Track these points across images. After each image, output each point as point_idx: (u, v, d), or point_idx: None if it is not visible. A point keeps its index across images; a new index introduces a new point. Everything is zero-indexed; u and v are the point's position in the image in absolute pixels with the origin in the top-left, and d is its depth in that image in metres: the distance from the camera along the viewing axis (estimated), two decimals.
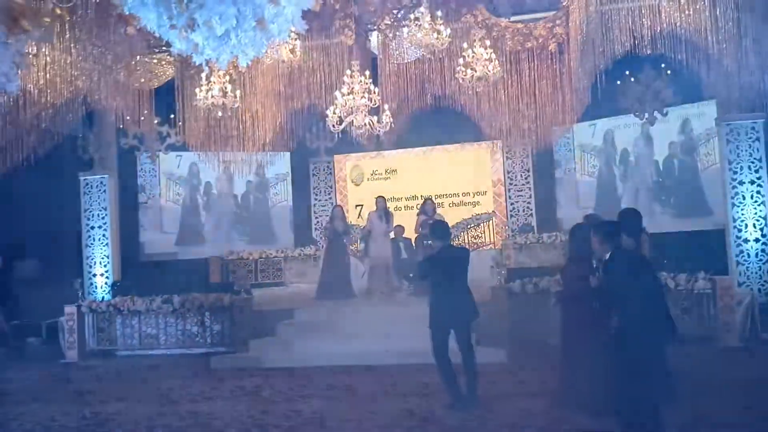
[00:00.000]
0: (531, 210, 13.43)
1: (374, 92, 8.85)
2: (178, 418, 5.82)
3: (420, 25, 8.31)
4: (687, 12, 8.16)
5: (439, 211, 10.85)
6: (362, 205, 10.34)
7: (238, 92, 9.28)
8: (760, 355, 7.20)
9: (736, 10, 7.91)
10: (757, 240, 9.53)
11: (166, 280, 10.72)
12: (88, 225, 11.90)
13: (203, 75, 9.02)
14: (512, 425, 5.13)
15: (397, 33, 9.46)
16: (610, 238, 4.65)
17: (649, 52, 8.73)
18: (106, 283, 11.71)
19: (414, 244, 10.30)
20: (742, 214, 9.61)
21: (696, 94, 10.31)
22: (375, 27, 9.86)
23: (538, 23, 9.50)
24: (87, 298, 10.56)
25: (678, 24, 8.31)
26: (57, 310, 9.42)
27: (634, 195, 12.20)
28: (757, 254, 9.51)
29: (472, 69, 8.75)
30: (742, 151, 9.66)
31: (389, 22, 9.52)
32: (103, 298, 10.95)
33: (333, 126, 9.01)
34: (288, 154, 13.53)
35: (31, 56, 7.64)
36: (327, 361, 7.57)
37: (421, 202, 10.93)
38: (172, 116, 10.63)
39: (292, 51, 9.27)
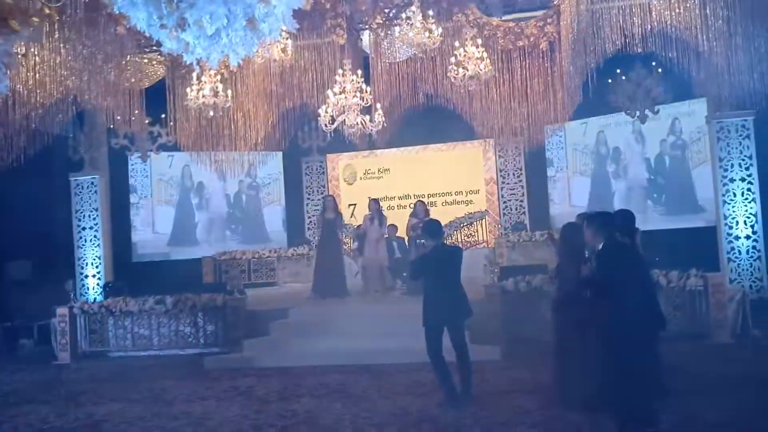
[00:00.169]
0: (524, 208, 13.47)
1: (366, 91, 8.85)
2: (172, 418, 5.80)
3: (412, 24, 8.33)
4: (677, 10, 8.21)
5: (432, 209, 10.86)
6: (355, 205, 10.31)
7: (229, 92, 9.26)
8: (751, 351, 7.25)
9: (725, 8, 7.97)
10: (747, 237, 9.60)
11: (159, 280, 10.67)
12: (79, 226, 11.84)
13: (194, 74, 8.99)
14: (506, 423, 5.14)
15: (389, 32, 9.46)
16: (604, 228, 4.70)
17: (639, 50, 8.78)
18: (98, 284, 11.66)
19: (407, 244, 10.31)
20: (733, 211, 9.67)
21: (686, 92, 10.38)
22: (366, 26, 9.87)
23: (529, 22, 9.52)
24: (79, 299, 10.51)
25: (668, 22, 8.37)
26: (49, 311, 9.36)
27: (627, 193, 12.25)
28: (747, 251, 9.57)
29: (463, 68, 8.76)
30: (732, 148, 9.73)
31: (381, 21, 9.53)
32: (95, 299, 10.90)
33: (325, 125, 9.00)
34: (280, 153, 13.51)
35: (20, 56, 7.59)
36: (321, 361, 7.56)
37: (414, 201, 10.95)
38: (163, 116, 10.59)
39: (284, 50, 9.26)
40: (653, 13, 8.40)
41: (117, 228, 12.48)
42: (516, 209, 13.51)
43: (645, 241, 6.16)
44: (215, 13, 2.66)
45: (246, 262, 13.27)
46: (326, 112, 8.91)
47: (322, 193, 14.17)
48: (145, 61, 9.92)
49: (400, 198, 13.67)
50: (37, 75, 8.25)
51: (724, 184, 9.73)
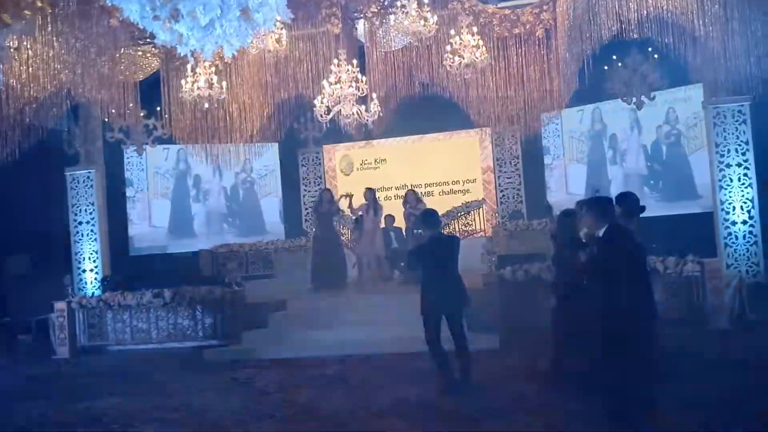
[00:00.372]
0: (521, 197, 13.46)
1: (362, 81, 8.82)
2: (172, 411, 5.82)
3: (407, 13, 8.28)
4: None
5: (429, 199, 10.85)
6: (352, 195, 10.30)
7: (224, 83, 9.22)
8: (748, 336, 7.28)
9: None
10: (744, 222, 9.61)
11: (157, 274, 10.66)
12: (75, 220, 11.80)
13: (188, 66, 8.94)
14: (505, 409, 5.16)
15: (384, 21, 9.43)
16: (606, 213, 4.66)
17: (636, 36, 8.75)
18: (95, 279, 11.64)
19: (404, 234, 10.30)
20: (730, 197, 9.68)
21: (683, 78, 10.36)
22: (361, 15, 9.82)
23: (525, 9, 9.49)
24: (77, 293, 10.49)
25: (664, 7, 8.33)
26: (47, 306, 9.35)
27: (624, 179, 12.25)
28: (744, 236, 9.59)
29: (459, 56, 8.73)
30: (728, 134, 9.71)
31: (376, 10, 9.48)
32: (93, 293, 10.88)
33: (321, 116, 8.98)
34: (276, 145, 13.46)
35: (12, 50, 7.54)
36: (320, 351, 7.57)
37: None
38: (158, 109, 10.53)
39: (278, 41, 9.22)
40: None
41: (114, 222, 12.44)
42: (513, 198, 13.51)
43: (642, 228, 6.15)
44: (209, 3, 2.64)
45: (243, 254, 13.25)
46: (322, 102, 8.87)
47: (318, 185, 14.16)
48: (139, 53, 9.87)
49: (397, 188, 13.63)
50: (30, 69, 8.19)
51: (721, 170, 9.73)
